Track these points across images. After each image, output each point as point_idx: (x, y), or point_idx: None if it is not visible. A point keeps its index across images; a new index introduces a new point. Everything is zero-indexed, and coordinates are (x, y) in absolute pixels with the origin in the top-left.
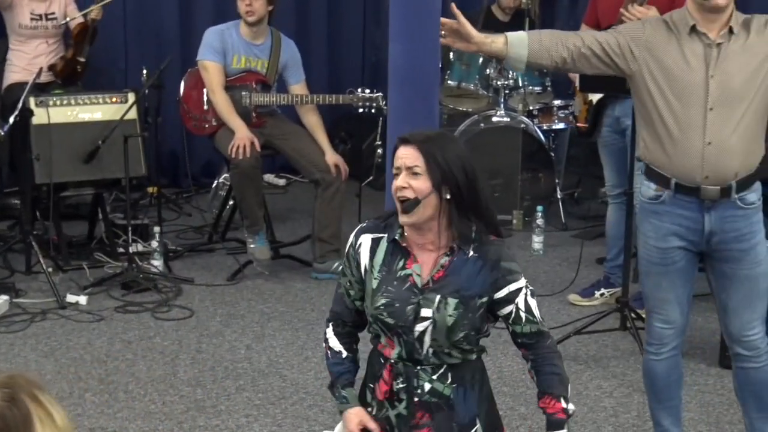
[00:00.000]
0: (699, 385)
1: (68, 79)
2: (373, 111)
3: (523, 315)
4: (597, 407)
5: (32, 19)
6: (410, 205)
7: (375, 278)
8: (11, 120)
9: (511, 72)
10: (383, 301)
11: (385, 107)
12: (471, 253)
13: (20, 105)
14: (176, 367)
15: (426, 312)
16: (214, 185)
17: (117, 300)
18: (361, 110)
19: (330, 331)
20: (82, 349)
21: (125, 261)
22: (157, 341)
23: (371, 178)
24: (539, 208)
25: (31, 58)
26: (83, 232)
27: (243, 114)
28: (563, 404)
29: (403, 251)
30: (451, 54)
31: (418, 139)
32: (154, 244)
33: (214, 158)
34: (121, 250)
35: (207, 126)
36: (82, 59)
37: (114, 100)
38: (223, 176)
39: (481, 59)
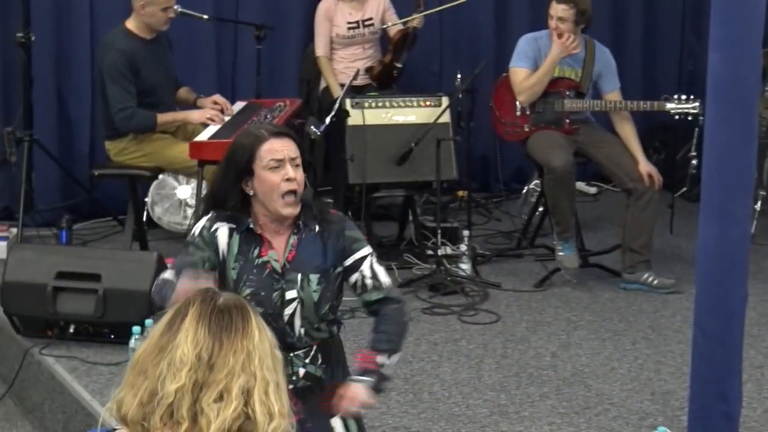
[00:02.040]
0: None
1: (383, 82)
2: (689, 118)
3: (369, 282)
4: None
5: (349, 28)
6: (300, 196)
7: (233, 268)
8: (327, 120)
9: None
10: (248, 291)
11: (701, 116)
12: (317, 228)
13: (337, 106)
14: (481, 371)
15: (291, 294)
16: (524, 191)
17: (424, 301)
18: (676, 117)
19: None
20: None
21: (434, 263)
22: (462, 344)
23: (685, 189)
24: None
25: (348, 62)
26: (393, 233)
27: (555, 120)
28: (378, 358)
29: (257, 239)
30: None
31: (290, 133)
32: (463, 247)
33: (525, 164)
34: (429, 252)
35: (519, 132)
36: (399, 65)
37: (427, 103)
38: (533, 182)
39: None
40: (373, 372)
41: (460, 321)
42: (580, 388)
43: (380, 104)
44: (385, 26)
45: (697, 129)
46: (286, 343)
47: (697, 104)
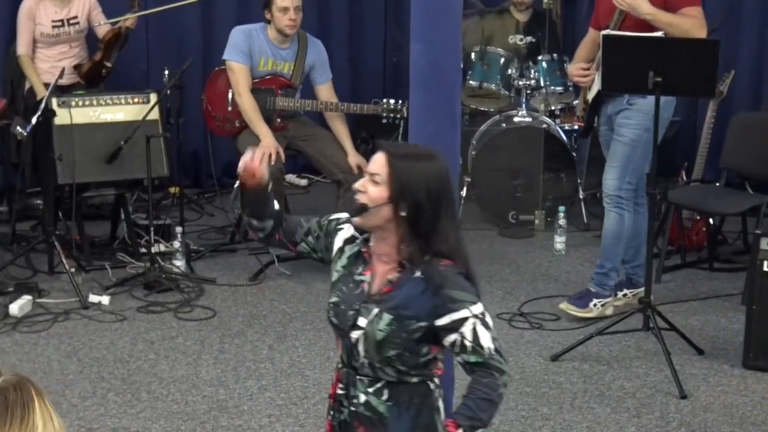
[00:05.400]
0: (723, 386)
1: (92, 81)
2: (397, 122)
3: (468, 344)
4: (620, 408)
5: (54, 26)
6: (357, 209)
7: (336, 271)
8: (34, 120)
9: (532, 72)
10: (334, 299)
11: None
12: (417, 274)
13: (42, 106)
14: (198, 367)
15: (362, 321)
16: (236, 185)
17: (139, 300)
18: (384, 120)
19: None
20: (105, 349)
21: (147, 261)
22: (179, 341)
23: None
24: (561, 208)
25: (54, 61)
26: (105, 233)
27: (266, 118)
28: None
29: (365, 259)
30: (473, 54)
31: (392, 150)
32: (176, 244)
33: (237, 158)
34: (143, 250)
35: (230, 127)
36: (109, 64)
37: (136, 100)
38: None
39: (502, 59)
40: None
41: (177, 318)
42: (297, 379)
43: (88, 103)
44: (97, 25)
45: (402, 120)
46: (353, 364)
47: (405, 106)
